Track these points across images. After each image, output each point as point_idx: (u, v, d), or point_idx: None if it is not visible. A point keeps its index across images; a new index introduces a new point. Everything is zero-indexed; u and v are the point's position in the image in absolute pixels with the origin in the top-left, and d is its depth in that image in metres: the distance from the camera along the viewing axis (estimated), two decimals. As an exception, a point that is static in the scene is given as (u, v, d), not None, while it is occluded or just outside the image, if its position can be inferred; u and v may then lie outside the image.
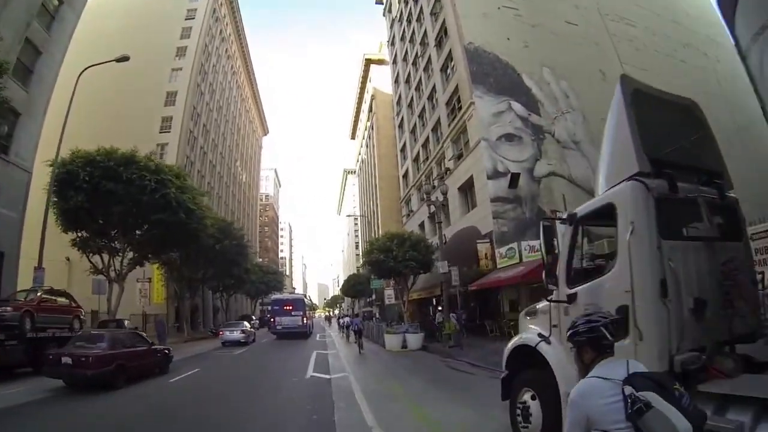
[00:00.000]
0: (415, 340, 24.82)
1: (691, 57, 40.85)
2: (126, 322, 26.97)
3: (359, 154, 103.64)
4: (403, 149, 56.00)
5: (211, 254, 39.33)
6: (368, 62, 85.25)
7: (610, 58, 36.54)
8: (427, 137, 44.62)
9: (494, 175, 30.75)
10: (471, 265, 28.08)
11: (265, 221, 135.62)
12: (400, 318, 49.22)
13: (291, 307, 40.14)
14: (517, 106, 33.39)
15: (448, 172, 36.95)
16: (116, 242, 28.20)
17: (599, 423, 2.42)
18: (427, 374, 15.75)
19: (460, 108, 35.81)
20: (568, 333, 2.92)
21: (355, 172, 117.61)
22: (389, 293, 57.33)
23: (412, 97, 50.92)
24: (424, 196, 40.53)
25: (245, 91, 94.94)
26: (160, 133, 54.04)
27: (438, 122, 41.34)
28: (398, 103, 58.92)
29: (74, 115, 25.13)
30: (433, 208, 25.64)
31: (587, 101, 33.62)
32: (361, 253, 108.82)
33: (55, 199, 23.89)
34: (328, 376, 15.34)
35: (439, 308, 31.39)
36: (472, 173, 32.30)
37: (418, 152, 47.95)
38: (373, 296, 62.40)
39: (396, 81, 59.75)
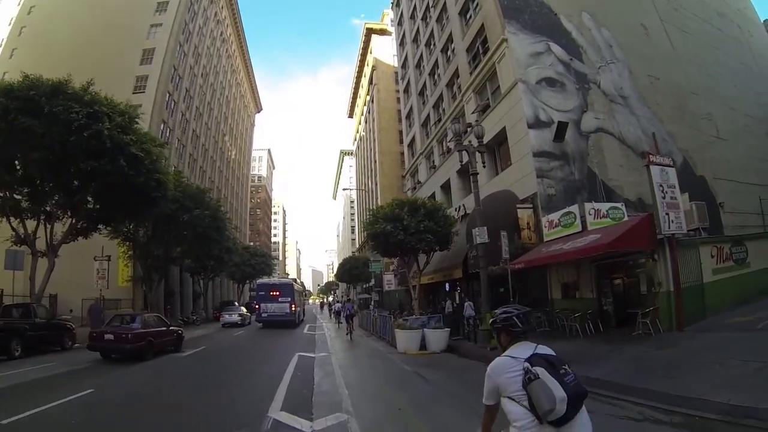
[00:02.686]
0: (437, 338, 18.10)
1: (726, 26, 36.83)
2: (37, 307, 19.98)
3: (357, 132, 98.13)
4: (409, 115, 49.49)
5: (178, 227, 32.55)
6: (369, 32, 79.16)
7: (651, 14, 31.72)
8: (440, 96, 38.02)
9: (536, 124, 24.22)
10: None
11: (257, 203, 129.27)
12: (401, 307, 42.95)
13: (278, 293, 35.68)
14: (557, 49, 27.07)
15: (470, 129, 30.23)
16: (48, 205, 21.59)
17: (505, 390, 3.02)
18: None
19: (485, 52, 29.20)
20: (490, 321, 3.55)
21: (352, 153, 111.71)
22: (389, 278, 51.59)
23: (421, 55, 44.38)
24: (446, 146, 35.30)
25: (236, 62, 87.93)
26: (134, 93, 47.15)
27: (455, 75, 34.74)
28: (404, 66, 52.59)
29: (39, 68, 21.63)
30: (465, 156, 18.80)
31: (631, 55, 28.99)
32: (357, 238, 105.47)
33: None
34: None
35: (457, 293, 24.98)
36: (505, 125, 25.67)
37: (428, 115, 41.44)
38: (372, 281, 55.95)
39: (401, 44, 53.60)
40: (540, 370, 2.87)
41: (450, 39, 35.82)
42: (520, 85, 24.79)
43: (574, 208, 19.30)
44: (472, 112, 29.94)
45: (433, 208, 26.23)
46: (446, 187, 34.47)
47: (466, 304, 27.72)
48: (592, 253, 15.04)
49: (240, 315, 38.61)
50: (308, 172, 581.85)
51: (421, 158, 42.46)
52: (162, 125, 49.70)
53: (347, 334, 26.76)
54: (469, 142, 20.13)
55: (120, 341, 16.15)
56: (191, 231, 33.18)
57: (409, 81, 48.81)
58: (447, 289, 32.33)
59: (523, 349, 3.12)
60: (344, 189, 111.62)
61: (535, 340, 3.31)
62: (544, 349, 3.16)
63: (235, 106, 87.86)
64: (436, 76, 39.89)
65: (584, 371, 10.35)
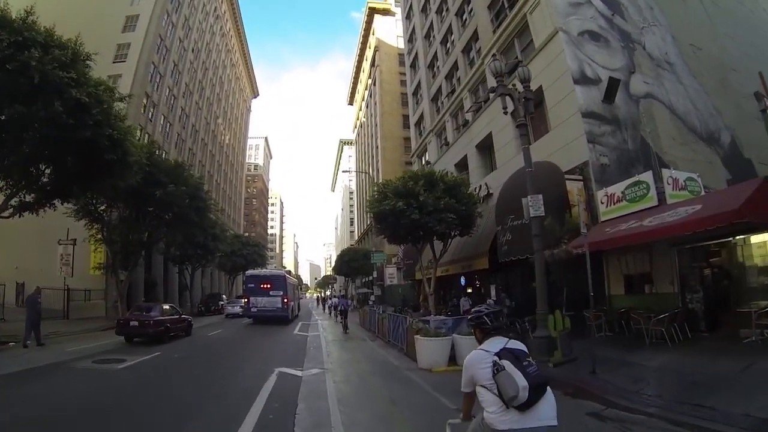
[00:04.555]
0: (473, 348, 13.23)
1: (755, 8, 32.76)
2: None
3: (357, 118, 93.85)
4: (416, 92, 44.99)
5: (151, 205, 27.97)
6: (372, 11, 74.80)
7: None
8: (454, 64, 33.58)
9: (582, 80, 19.86)
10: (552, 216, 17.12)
11: (253, 192, 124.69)
12: (405, 303, 38.47)
13: (269, 286, 32.06)
14: (597, 2, 22.80)
15: (493, 95, 25.78)
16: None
17: (479, 380, 3.37)
18: None
19: (512, 5, 24.87)
20: (468, 318, 4.38)
21: (352, 142, 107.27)
22: (391, 272, 47.29)
23: (431, 25, 39.89)
24: (463, 119, 29.81)
25: (231, 42, 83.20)
26: (114, 62, 42.78)
27: (473, 38, 30.30)
28: (410, 40, 48.16)
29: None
30: (510, 105, 14.19)
31: (672, 21, 25.28)
32: (356, 230, 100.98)
33: None
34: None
35: (493, 288, 20.87)
36: (540, 83, 21.10)
37: (439, 88, 36.96)
38: (374, 274, 51.59)
39: (408, 16, 49.25)
40: (506, 363, 3.22)
41: (466, -1, 31.41)
42: (561, 34, 20.44)
43: (647, 176, 14.92)
44: (489, 90, 25.46)
45: (453, 182, 21.71)
46: (462, 166, 29.97)
47: (463, 299, 23.60)
48: (710, 226, 10.52)
49: (241, 307, 37.65)
50: (307, 164, 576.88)
51: (431, 136, 37.94)
52: (145, 99, 45.22)
53: (341, 325, 26.55)
54: (513, 86, 15.55)
55: (143, 327, 18.85)
56: (166, 210, 28.51)
57: (416, 55, 44.37)
58: (462, 284, 27.81)
59: (495, 344, 3.47)
60: (344, 171, 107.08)
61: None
62: (513, 344, 3.49)
63: (230, 89, 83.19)
64: (448, 44, 35.49)
65: (727, 403, 7.24)
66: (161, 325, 19.40)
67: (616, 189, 15.75)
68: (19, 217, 21.07)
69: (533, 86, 21.38)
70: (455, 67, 33.50)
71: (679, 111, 22.66)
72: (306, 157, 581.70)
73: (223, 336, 23.51)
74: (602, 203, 16.40)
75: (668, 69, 23.73)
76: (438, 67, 37.78)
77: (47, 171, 20.30)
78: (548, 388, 3.33)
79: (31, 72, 14.30)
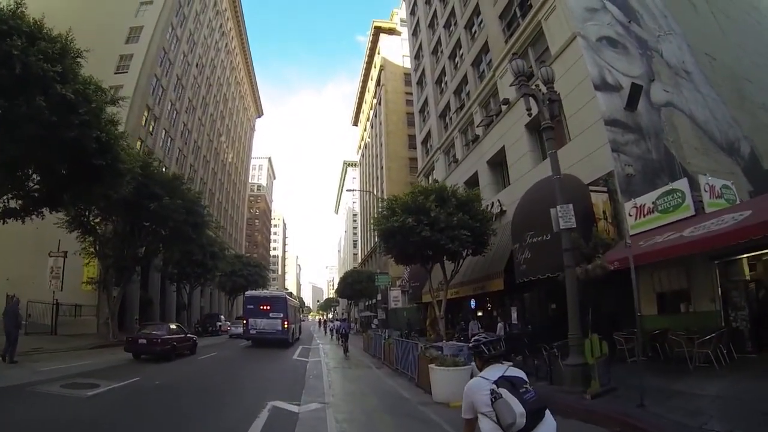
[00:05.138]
0: None
1: (762, 20, 31.97)
2: None
3: (362, 139, 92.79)
4: (423, 109, 43.94)
5: (145, 218, 26.67)
6: (378, 31, 74.17)
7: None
8: (463, 78, 32.53)
9: (603, 86, 18.71)
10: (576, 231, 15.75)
11: (256, 213, 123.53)
12: (410, 327, 36.81)
13: (269, 307, 30.63)
14: (613, 8, 22.10)
15: (505, 106, 24.60)
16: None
17: (478, 407, 3.36)
18: None
19: (524, 14, 23.88)
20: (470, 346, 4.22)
21: (356, 164, 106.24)
22: (395, 294, 45.56)
23: (438, 40, 39.06)
24: (473, 135, 28.30)
25: (236, 60, 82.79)
26: (116, 73, 41.93)
27: (483, 50, 29.29)
28: (417, 56, 47.46)
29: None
30: (533, 107, 12.88)
31: (686, 30, 24.59)
32: (359, 252, 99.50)
33: None
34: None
35: (514, 310, 19.45)
36: (558, 92, 19.75)
37: (447, 104, 35.92)
38: (379, 297, 49.98)
39: (414, 33, 48.55)
40: (503, 391, 3.22)
41: (477, 11, 30.56)
42: (580, 40, 19.38)
43: (681, 184, 13.60)
44: (511, 85, 24.23)
45: (466, 198, 20.37)
46: (472, 183, 28.58)
47: (471, 323, 22.22)
48: (742, 239, 9.16)
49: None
50: (310, 186, 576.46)
51: (439, 154, 36.72)
52: (146, 112, 44.27)
53: (342, 349, 26.79)
54: (536, 86, 14.31)
55: (151, 345, 19.40)
56: (161, 225, 27.18)
57: (423, 71, 43.47)
58: (472, 306, 26.28)
59: (494, 371, 3.48)
60: (348, 190, 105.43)
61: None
62: (512, 371, 3.49)
63: (234, 106, 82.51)
64: (457, 59, 34.55)
65: None
66: (168, 344, 20.06)
67: (647, 200, 14.39)
68: (3, 223, 19.87)
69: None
70: (464, 81, 32.44)
71: (699, 120, 21.69)
72: (310, 179, 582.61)
73: (217, 359, 21.85)
74: (630, 215, 15.04)
75: (686, 78, 22.88)
76: (446, 83, 36.78)
77: (35, 176, 19.13)
78: (547, 412, 3.36)
79: (13, 62, 13.12)
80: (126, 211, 25.80)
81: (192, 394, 11.80)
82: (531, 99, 12.94)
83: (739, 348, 12.13)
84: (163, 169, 32.05)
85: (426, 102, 42.19)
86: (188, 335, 23.91)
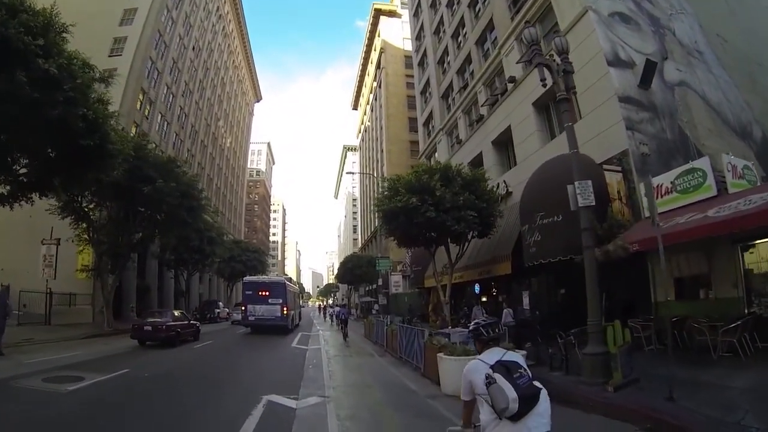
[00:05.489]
0: None
1: None
2: None
3: (362, 123, 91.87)
4: (424, 90, 43.06)
5: (138, 203, 25.86)
6: (378, 13, 73.10)
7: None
8: (466, 57, 31.54)
9: (616, 62, 17.85)
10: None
11: (255, 199, 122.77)
12: (411, 312, 36.21)
13: (267, 293, 29.86)
14: None
15: (511, 84, 23.75)
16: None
17: (476, 389, 3.40)
18: None
19: (532, -11, 22.86)
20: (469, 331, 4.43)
21: (355, 148, 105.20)
22: (396, 279, 44.90)
23: (441, 19, 38.04)
24: (477, 115, 27.63)
25: (234, 43, 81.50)
26: (110, 56, 40.85)
27: (488, 28, 28.29)
28: (418, 37, 46.53)
29: None
30: (548, 79, 11.98)
31: (697, 10, 23.63)
32: (359, 237, 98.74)
33: None
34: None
35: (525, 294, 18.68)
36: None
37: (450, 84, 35.00)
38: (379, 282, 49.39)
39: (416, 14, 47.38)
40: (498, 376, 3.22)
41: (481, -14, 29.47)
42: (591, 14, 18.53)
43: (702, 163, 12.82)
44: (518, 62, 23.35)
45: (472, 177, 19.52)
46: (476, 164, 27.67)
47: (475, 308, 21.36)
48: None
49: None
50: (310, 172, 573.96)
51: (441, 135, 35.85)
52: (141, 95, 43.27)
53: (342, 334, 26.75)
54: (550, 56, 13.42)
55: (157, 331, 20.05)
56: (155, 209, 26.38)
57: (425, 52, 42.43)
58: (476, 291, 25.54)
59: (492, 355, 3.47)
60: (348, 172, 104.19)
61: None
62: (509, 356, 3.47)
63: (232, 91, 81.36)
64: (460, 38, 33.56)
65: None
66: (172, 330, 20.65)
67: (665, 179, 13.59)
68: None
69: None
70: (468, 60, 31.48)
71: (712, 102, 20.90)
72: (309, 165, 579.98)
73: (214, 348, 21.09)
74: (647, 196, 14.25)
75: (698, 58, 22.05)
76: (448, 63, 35.82)
77: (22, 160, 18.33)
78: (542, 396, 3.32)
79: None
80: (119, 196, 25.02)
81: (179, 388, 10.92)
82: (545, 70, 12.01)
83: (763, 336, 11.39)
84: (159, 153, 30.87)
85: (428, 83, 41.26)
86: (191, 322, 24.43)
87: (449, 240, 20.39)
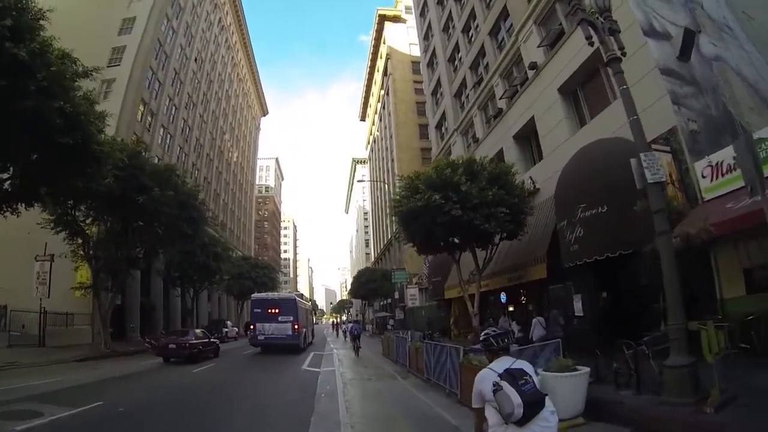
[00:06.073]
0: (571, 389, 8.21)
1: None
2: None
3: (371, 134, 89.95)
4: (435, 91, 41.30)
5: (134, 214, 24.06)
6: (382, 19, 71.58)
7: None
8: (480, 50, 29.65)
9: (652, 32, 15.94)
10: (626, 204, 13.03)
11: (264, 215, 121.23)
12: (430, 327, 33.83)
13: (277, 311, 28.09)
14: None
15: (532, 72, 21.90)
16: None
17: (486, 396, 3.53)
18: None
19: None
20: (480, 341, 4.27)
21: (365, 161, 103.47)
22: (412, 293, 42.90)
23: (449, 15, 36.37)
24: (495, 109, 24.93)
25: (238, 56, 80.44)
26: (109, 66, 39.43)
27: (501, 16, 26.39)
28: (426, 37, 44.63)
29: None
30: (592, 36, 10.05)
31: None
32: (372, 252, 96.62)
33: None
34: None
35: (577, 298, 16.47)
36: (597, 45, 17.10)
37: (463, 81, 33.14)
38: (396, 295, 47.39)
39: (422, 14, 45.72)
40: (504, 383, 3.39)
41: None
42: (623, -17, 16.51)
43: None
44: (539, 45, 21.52)
45: (499, 171, 17.44)
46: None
47: (502, 318, 19.32)
48: None
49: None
50: (319, 188, 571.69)
51: (456, 136, 33.92)
52: (142, 106, 41.86)
53: (354, 350, 27.34)
54: (592, 10, 11.48)
55: (180, 349, 21.59)
56: (152, 220, 24.53)
57: (434, 51, 40.68)
58: (503, 301, 23.38)
59: (501, 364, 3.63)
60: (359, 181, 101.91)
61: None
62: (517, 364, 3.63)
63: (237, 104, 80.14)
64: (471, 31, 31.80)
65: None
66: (195, 348, 22.19)
67: (724, 156, 11.57)
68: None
69: (583, 56, 18.15)
70: (481, 53, 29.62)
71: (749, 78, 18.67)
72: (318, 180, 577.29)
73: (213, 372, 18.71)
74: (704, 177, 12.27)
75: (729, 34, 20.01)
76: (460, 60, 33.98)
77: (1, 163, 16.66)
78: (547, 402, 3.47)
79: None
80: (114, 207, 23.27)
81: (160, 429, 8.93)
82: (589, 28, 10.12)
83: None
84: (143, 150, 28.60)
85: (438, 83, 39.45)
86: (212, 340, 26.05)
87: (475, 244, 18.37)
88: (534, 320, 17.19)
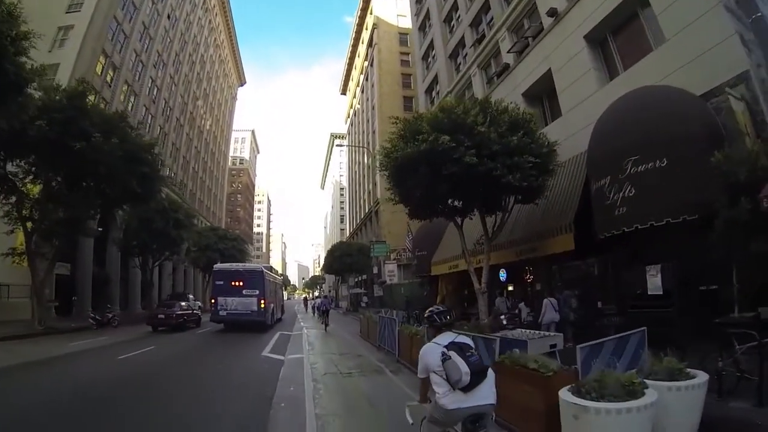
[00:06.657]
0: (687, 404, 5.23)
1: None
2: None
3: (351, 107, 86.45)
4: (426, 56, 37.95)
5: (74, 166, 20.29)
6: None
7: None
8: (483, 5, 26.44)
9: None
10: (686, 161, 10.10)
11: (238, 188, 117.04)
12: (409, 306, 30.72)
13: (242, 283, 25.67)
14: None
15: (550, 20, 18.81)
16: None
17: (431, 367, 3.98)
18: None
19: None
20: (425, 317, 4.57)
21: (343, 136, 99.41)
22: (390, 269, 40.15)
23: (446, -30, 32.81)
24: (500, 66, 21.05)
25: (216, 20, 75.84)
26: (67, 12, 35.57)
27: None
28: (418, 1, 40.71)
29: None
30: None
31: None
32: (347, 227, 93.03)
33: None
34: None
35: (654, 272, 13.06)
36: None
37: (461, 40, 30.00)
38: (375, 270, 44.51)
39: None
40: (452, 353, 3.86)
41: None
42: None
43: None
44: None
45: (520, 117, 13.95)
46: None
47: (504, 300, 16.67)
48: None
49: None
50: (296, 165, 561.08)
51: (450, 98, 30.79)
52: (103, 58, 37.83)
53: (323, 324, 27.60)
54: None
55: (168, 319, 25.20)
56: (91, 172, 20.65)
57: (427, 13, 37.25)
58: (503, 279, 20.06)
59: (445, 338, 4.13)
60: (338, 145, 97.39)
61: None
62: (461, 338, 4.15)
63: (213, 71, 75.70)
64: (472, -15, 28.45)
65: None
66: (181, 318, 25.86)
67: None
68: None
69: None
70: (484, 8, 26.44)
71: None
72: (295, 158, 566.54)
73: (143, 362, 14.03)
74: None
75: None
76: (458, 18, 30.70)
77: None
78: (489, 372, 3.98)
79: None
80: (52, 158, 19.62)
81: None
82: None
83: None
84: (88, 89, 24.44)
85: (431, 46, 36.13)
86: (194, 311, 29.65)
87: (483, 207, 15.20)
88: (545, 302, 14.57)
